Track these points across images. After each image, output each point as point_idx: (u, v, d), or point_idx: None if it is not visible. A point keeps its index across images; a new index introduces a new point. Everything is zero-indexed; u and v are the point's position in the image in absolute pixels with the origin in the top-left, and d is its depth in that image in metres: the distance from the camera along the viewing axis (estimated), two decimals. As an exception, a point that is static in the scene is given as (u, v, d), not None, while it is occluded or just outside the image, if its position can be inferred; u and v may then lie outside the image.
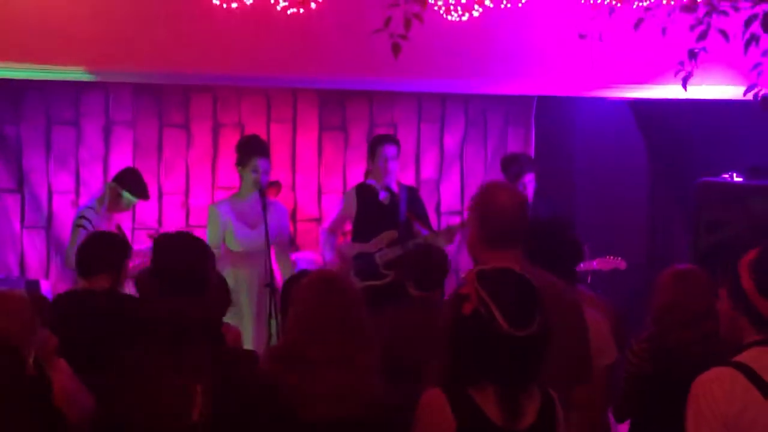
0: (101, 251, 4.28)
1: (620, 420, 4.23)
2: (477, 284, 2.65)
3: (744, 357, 2.64)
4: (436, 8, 6.06)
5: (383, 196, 6.32)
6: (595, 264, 6.43)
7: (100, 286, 4.19)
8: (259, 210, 5.80)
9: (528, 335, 2.59)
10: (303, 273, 4.02)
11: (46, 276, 7.18)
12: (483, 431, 2.62)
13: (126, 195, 6.16)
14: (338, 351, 2.96)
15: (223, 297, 3.19)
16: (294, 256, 6.66)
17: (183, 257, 3.06)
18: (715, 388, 2.58)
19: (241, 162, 5.98)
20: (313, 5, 6.06)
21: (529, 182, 6.45)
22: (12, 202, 7.18)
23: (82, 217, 6.01)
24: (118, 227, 6.28)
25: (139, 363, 2.97)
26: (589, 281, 6.52)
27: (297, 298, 3.17)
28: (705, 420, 2.57)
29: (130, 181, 6.21)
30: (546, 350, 2.64)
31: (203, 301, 3.02)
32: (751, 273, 2.65)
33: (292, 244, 6.74)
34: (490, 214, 3.18)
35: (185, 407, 2.85)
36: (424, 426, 2.70)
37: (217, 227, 5.99)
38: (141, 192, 6.24)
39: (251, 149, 5.96)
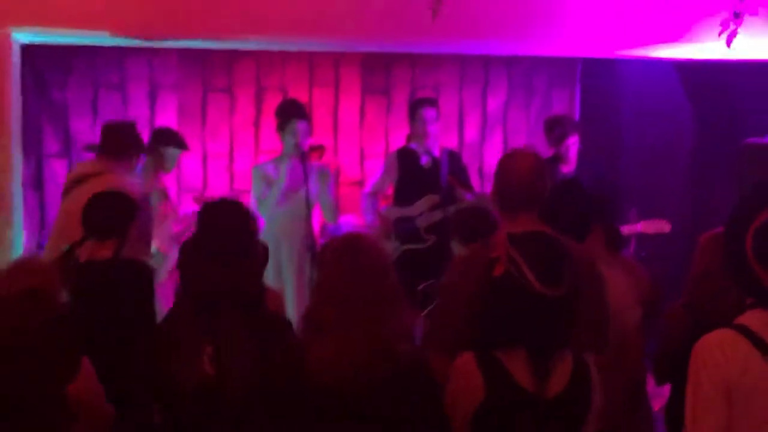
0: (109, 215, 4.23)
1: (660, 383, 4.22)
2: (508, 246, 2.66)
3: (746, 319, 2.60)
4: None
5: (425, 161, 6.33)
6: (640, 227, 6.39)
7: (104, 254, 4.12)
8: (300, 173, 5.83)
9: (558, 296, 2.60)
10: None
11: (93, 239, 7.29)
12: (512, 397, 2.63)
13: (168, 151, 6.16)
14: (343, 316, 2.89)
15: (259, 268, 3.19)
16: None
17: (224, 227, 3.06)
18: (717, 351, 2.54)
19: (281, 127, 6.02)
20: (354, -32, 6.04)
21: (572, 144, 6.39)
22: (59, 166, 7.28)
23: None
24: (165, 192, 6.33)
25: (165, 330, 3.03)
26: (633, 244, 6.48)
27: (321, 261, 3.18)
28: (704, 382, 2.54)
29: (165, 135, 6.21)
30: (575, 313, 2.65)
31: (239, 273, 3.01)
32: (753, 239, 2.59)
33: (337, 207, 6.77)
34: (502, 179, 3.24)
35: (199, 359, 2.90)
36: (454, 391, 2.71)
37: (260, 189, 6.05)
38: (179, 142, 6.22)
39: (289, 112, 5.99)
